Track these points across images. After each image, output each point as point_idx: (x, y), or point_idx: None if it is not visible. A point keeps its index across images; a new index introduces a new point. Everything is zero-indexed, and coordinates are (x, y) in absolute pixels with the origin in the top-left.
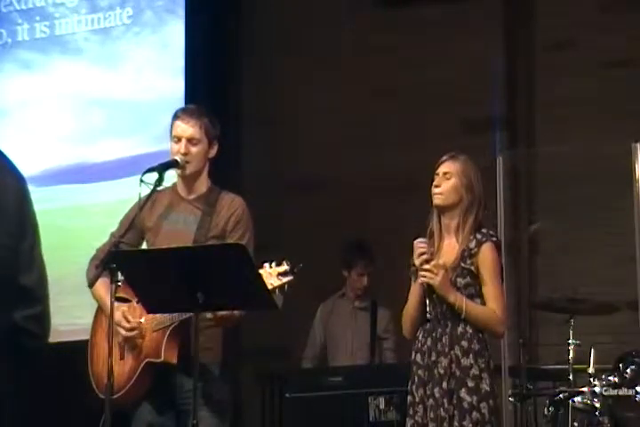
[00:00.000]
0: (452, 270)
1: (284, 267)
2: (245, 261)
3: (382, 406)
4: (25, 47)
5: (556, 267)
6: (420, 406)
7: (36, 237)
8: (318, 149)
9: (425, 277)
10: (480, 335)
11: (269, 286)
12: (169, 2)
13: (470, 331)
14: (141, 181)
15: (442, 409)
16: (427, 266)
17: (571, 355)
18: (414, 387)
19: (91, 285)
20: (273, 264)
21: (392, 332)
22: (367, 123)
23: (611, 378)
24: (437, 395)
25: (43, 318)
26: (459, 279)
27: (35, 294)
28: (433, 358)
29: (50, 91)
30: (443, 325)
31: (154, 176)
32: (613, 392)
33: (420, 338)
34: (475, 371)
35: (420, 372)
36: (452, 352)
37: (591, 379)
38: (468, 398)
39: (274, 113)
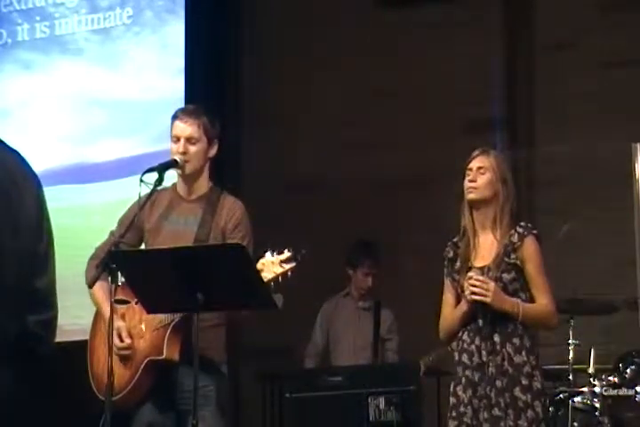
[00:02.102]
0: (495, 266)
1: (287, 254)
2: (245, 262)
3: (382, 406)
4: (25, 47)
5: (556, 267)
6: (469, 407)
7: (49, 240)
8: (318, 149)
9: (477, 295)
10: (530, 332)
11: (272, 274)
12: (169, 2)
13: (521, 328)
14: (141, 181)
15: (497, 409)
16: (476, 283)
17: (571, 355)
18: (460, 388)
19: (90, 285)
20: (274, 253)
21: (395, 333)
22: (367, 123)
23: (611, 378)
24: (492, 394)
25: (52, 324)
26: (504, 275)
27: (47, 299)
28: (483, 357)
29: (50, 91)
30: (491, 323)
31: (154, 176)
32: (613, 392)
33: (465, 338)
34: (527, 369)
35: (467, 373)
36: (503, 350)
37: (591, 379)
38: (522, 397)
39: (274, 113)
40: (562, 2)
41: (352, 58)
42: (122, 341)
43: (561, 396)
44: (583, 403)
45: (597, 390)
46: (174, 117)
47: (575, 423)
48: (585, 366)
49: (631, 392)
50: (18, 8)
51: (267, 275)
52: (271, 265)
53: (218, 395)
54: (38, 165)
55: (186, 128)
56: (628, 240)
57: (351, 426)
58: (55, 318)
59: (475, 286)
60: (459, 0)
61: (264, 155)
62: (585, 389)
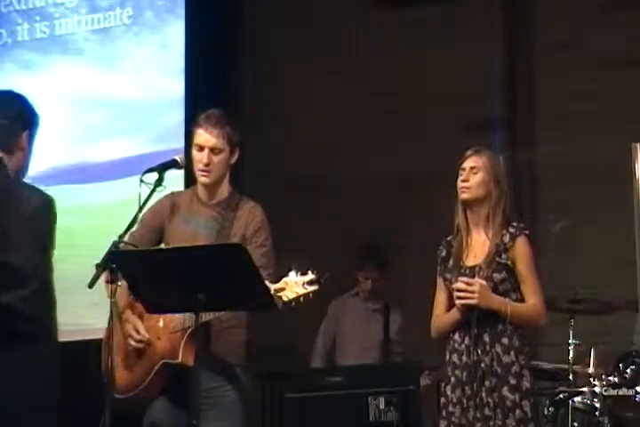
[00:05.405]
0: (487, 266)
1: (311, 276)
2: (245, 262)
3: (382, 406)
4: (25, 47)
5: (557, 267)
6: (458, 406)
7: (21, 217)
8: (318, 149)
9: (463, 298)
10: (519, 331)
11: (294, 295)
12: (169, 2)
13: (510, 328)
14: (141, 181)
15: (487, 408)
16: (461, 286)
17: (571, 355)
18: (449, 388)
19: (91, 285)
20: (299, 273)
21: (403, 335)
22: (367, 123)
23: (611, 378)
24: (482, 394)
25: (33, 299)
26: (495, 274)
27: (24, 275)
28: (473, 357)
29: (50, 91)
30: (481, 324)
31: (154, 176)
32: (613, 392)
33: (456, 338)
34: (516, 368)
35: (457, 372)
36: (493, 350)
37: (591, 379)
38: (510, 396)
39: (274, 113)
40: (562, 2)
41: (352, 58)
42: (138, 333)
43: (561, 396)
44: (583, 403)
45: (597, 390)
46: (197, 125)
47: (575, 423)
48: (585, 367)
49: (631, 392)
50: (18, 8)
51: (288, 294)
52: (294, 285)
53: (234, 396)
54: (38, 165)
55: (210, 139)
56: (627, 240)
57: (351, 426)
58: (34, 292)
59: (460, 289)
60: (459, 0)
61: (264, 155)
62: (585, 389)
